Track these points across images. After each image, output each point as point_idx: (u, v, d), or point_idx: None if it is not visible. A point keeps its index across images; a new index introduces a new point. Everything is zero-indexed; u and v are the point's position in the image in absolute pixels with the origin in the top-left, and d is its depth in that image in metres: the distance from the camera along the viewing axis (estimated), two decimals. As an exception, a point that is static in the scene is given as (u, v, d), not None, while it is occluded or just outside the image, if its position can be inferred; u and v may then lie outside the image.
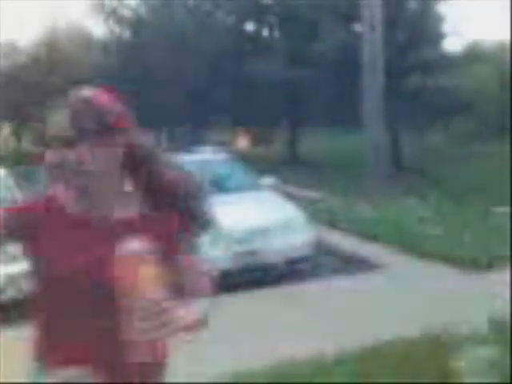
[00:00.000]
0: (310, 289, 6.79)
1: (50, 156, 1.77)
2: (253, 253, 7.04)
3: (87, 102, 1.77)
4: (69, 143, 1.74)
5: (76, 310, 1.79)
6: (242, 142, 41.23)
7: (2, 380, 4.49)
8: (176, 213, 1.89)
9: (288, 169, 20.23)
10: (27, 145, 45.36)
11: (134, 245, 1.55)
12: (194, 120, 31.84)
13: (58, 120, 1.76)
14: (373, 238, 8.62)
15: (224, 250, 6.96)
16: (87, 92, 1.81)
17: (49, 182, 1.89)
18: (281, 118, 27.38)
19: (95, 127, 1.75)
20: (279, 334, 5.25)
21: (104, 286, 1.68)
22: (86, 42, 40.29)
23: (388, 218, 9.48)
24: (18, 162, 26.54)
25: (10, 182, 8.71)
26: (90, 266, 1.75)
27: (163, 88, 27.92)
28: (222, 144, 28.07)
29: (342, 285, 6.86)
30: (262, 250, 7.06)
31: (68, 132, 1.74)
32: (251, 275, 7.06)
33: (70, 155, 1.74)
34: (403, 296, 6.05)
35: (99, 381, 1.77)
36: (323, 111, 23.81)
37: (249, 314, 5.95)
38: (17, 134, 46.40)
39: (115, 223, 1.82)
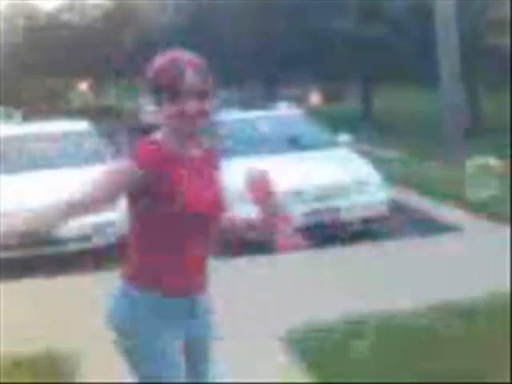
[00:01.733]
0: (386, 248, 6.86)
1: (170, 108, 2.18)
2: (328, 210, 7.14)
3: (203, 65, 2.23)
4: (199, 95, 2.19)
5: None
6: (315, 99, 40.91)
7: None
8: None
9: (361, 127, 20.09)
10: (105, 100, 46.43)
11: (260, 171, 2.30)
12: (265, 76, 31.81)
13: (192, 77, 2.17)
14: (448, 198, 8.55)
15: (301, 207, 7.07)
16: (197, 57, 2.23)
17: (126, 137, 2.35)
18: (354, 75, 27.02)
19: (200, 85, 2.20)
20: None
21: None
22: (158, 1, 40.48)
23: (464, 178, 9.36)
24: (98, 115, 27.29)
25: (95, 134, 9.05)
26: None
27: (236, 44, 27.96)
28: (294, 100, 28.01)
29: (417, 245, 6.89)
30: (337, 208, 7.15)
31: (200, 87, 2.20)
32: (326, 232, 7.17)
33: (199, 106, 2.19)
34: (480, 257, 6.02)
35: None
36: (398, 68, 23.36)
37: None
38: (95, 90, 47.50)
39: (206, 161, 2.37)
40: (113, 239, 6.85)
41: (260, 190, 2.31)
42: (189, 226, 2.25)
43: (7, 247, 6.75)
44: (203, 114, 2.22)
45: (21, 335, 4.76)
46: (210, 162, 2.40)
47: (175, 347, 2.34)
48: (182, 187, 2.21)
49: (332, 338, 4.34)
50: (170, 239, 2.26)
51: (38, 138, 8.87)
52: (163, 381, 2.31)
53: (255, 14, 25.92)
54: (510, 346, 3.93)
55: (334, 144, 8.67)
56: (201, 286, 2.39)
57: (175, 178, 2.20)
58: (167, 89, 2.17)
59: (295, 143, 8.72)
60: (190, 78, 2.17)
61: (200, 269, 2.36)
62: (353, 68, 25.16)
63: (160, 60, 2.22)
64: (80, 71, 42.39)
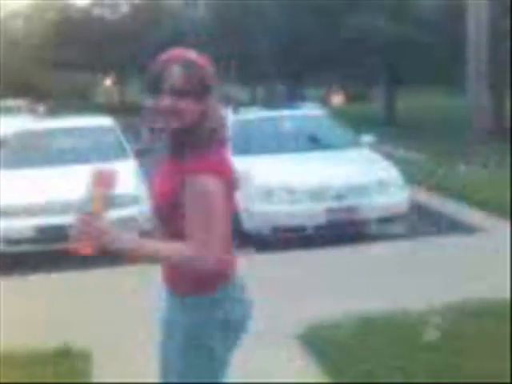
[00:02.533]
0: (403, 247, 6.84)
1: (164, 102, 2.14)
2: (348, 209, 7.13)
3: (193, 63, 2.16)
4: (175, 93, 2.12)
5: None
6: (338, 99, 40.85)
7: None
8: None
9: (384, 128, 19.99)
10: (129, 96, 46.66)
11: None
12: (290, 75, 31.77)
13: (171, 73, 2.12)
14: (471, 200, 8.48)
15: (320, 205, 7.08)
16: (193, 54, 2.20)
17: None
18: (378, 76, 26.90)
19: (197, 85, 2.15)
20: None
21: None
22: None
23: (487, 180, 9.30)
24: (122, 112, 27.44)
25: (118, 130, 9.10)
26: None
27: (262, 42, 27.97)
28: (317, 100, 27.95)
29: (437, 244, 6.85)
30: (357, 207, 7.14)
31: (177, 84, 2.12)
32: (346, 231, 7.17)
33: (172, 103, 2.13)
34: (498, 258, 5.97)
35: None
36: (423, 69, 23.22)
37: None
38: (119, 86, 47.81)
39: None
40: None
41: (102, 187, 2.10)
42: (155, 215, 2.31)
43: (25, 241, 6.85)
44: (177, 112, 2.13)
45: (37, 330, 4.80)
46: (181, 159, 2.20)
47: None
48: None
49: (346, 336, 4.33)
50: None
51: (61, 133, 8.94)
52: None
53: (283, 13, 25.89)
54: (510, 347, 3.92)
55: (357, 144, 8.65)
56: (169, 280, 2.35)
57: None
58: (149, 84, 2.19)
59: (317, 142, 8.72)
60: (171, 76, 2.12)
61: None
62: (378, 69, 25.07)
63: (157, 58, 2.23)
64: (106, 67, 42.73)
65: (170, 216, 2.21)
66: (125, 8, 42.43)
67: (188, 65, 2.15)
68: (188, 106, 2.14)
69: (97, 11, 42.18)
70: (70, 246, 2.06)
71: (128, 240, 2.12)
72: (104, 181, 2.09)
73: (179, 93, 2.12)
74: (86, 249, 2.04)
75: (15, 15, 43.49)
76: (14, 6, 43.41)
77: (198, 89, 2.15)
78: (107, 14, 42.23)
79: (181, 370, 2.29)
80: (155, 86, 2.15)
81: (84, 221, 2.05)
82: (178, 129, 2.17)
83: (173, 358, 2.30)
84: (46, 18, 42.49)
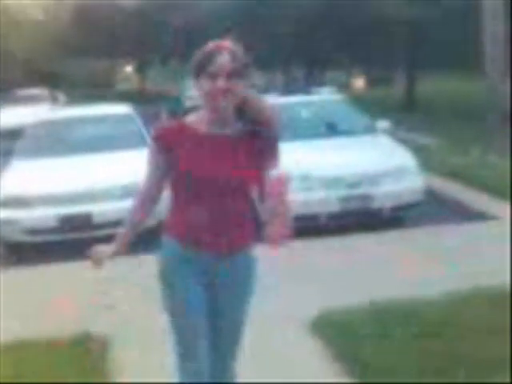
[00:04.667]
0: (419, 234, 6.87)
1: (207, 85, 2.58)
2: (363, 197, 7.17)
3: (236, 51, 2.61)
4: (229, 75, 2.55)
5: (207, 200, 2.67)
6: (359, 83, 40.60)
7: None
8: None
9: (404, 112, 19.90)
10: (150, 83, 46.76)
11: (279, 172, 2.59)
12: (310, 59, 31.66)
13: (224, 59, 2.56)
14: (486, 187, 8.46)
15: (335, 193, 7.13)
16: (233, 44, 2.63)
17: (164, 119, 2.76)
18: (399, 60, 26.71)
19: (242, 68, 2.60)
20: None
21: (229, 183, 2.63)
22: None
23: (502, 166, 9.24)
24: (142, 99, 27.59)
25: (137, 118, 9.18)
26: (219, 170, 2.62)
27: (280, 26, 27.84)
28: (338, 85, 27.82)
29: (448, 232, 6.88)
30: (372, 195, 7.17)
31: (230, 67, 2.56)
32: (361, 218, 7.22)
33: (228, 84, 2.56)
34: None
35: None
36: (444, 54, 23.00)
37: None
38: (140, 72, 47.92)
39: (233, 139, 2.68)
40: (152, 224, 6.93)
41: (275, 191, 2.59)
42: (195, 189, 2.65)
43: (46, 231, 6.97)
44: (233, 91, 2.57)
45: (55, 317, 4.93)
46: (244, 140, 2.69)
47: (198, 290, 2.74)
48: (186, 157, 2.64)
49: (358, 325, 4.40)
50: (183, 199, 2.71)
51: (81, 121, 9.02)
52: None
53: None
54: (509, 347, 3.92)
55: (373, 130, 8.66)
56: (224, 245, 2.72)
57: (181, 149, 2.65)
58: (202, 70, 2.59)
59: (334, 129, 8.74)
60: (221, 60, 2.55)
61: (222, 228, 2.70)
62: (398, 52, 24.88)
63: (201, 49, 2.64)
64: (126, 54, 42.77)
65: (246, 189, 2.70)
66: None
67: (235, 52, 2.60)
68: (238, 85, 2.58)
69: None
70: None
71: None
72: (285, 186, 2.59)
73: (230, 74, 2.55)
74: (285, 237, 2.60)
75: (34, 4, 43.58)
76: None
77: (242, 71, 2.60)
78: (126, 0, 42.13)
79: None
80: (205, 71, 2.57)
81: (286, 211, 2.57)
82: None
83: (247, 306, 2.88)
84: (65, 6, 42.53)
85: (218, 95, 2.56)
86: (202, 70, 2.58)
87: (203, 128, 2.67)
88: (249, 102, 2.64)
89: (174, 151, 2.66)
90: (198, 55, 2.63)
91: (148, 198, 2.82)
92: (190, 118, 2.73)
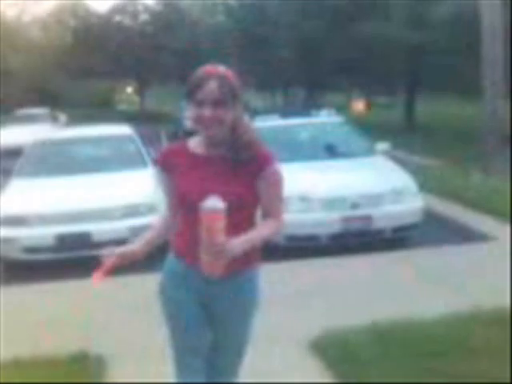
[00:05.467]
0: (417, 255, 6.86)
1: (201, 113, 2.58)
2: (363, 218, 7.16)
3: (225, 78, 2.59)
4: (215, 103, 2.55)
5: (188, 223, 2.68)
6: (359, 106, 40.79)
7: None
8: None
9: (404, 134, 19.95)
10: (149, 104, 46.94)
11: (215, 203, 2.40)
12: (310, 82, 31.82)
13: (210, 87, 2.55)
14: (485, 208, 8.45)
15: (335, 214, 7.12)
16: (224, 70, 2.62)
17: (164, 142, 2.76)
18: (398, 82, 26.86)
19: (230, 96, 2.58)
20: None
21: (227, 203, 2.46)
22: (206, 1, 40.76)
23: (502, 188, 9.24)
24: (141, 119, 27.68)
25: (137, 138, 9.19)
26: (216, 191, 2.52)
27: (281, 48, 28.03)
28: (338, 107, 27.91)
29: (449, 253, 6.87)
30: (371, 216, 7.17)
31: (216, 96, 2.55)
32: (360, 239, 7.21)
33: (213, 113, 2.56)
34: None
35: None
36: (443, 77, 23.14)
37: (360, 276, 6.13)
38: (139, 93, 48.13)
39: (229, 159, 2.64)
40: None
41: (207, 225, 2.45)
42: (194, 209, 2.56)
43: (45, 249, 6.96)
44: (218, 120, 2.59)
45: (55, 335, 4.91)
46: (242, 164, 2.66)
47: (197, 308, 2.75)
48: (181, 180, 2.68)
49: (359, 345, 4.38)
50: (184, 219, 2.73)
51: (80, 142, 9.05)
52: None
53: (303, 20, 25.98)
54: (509, 348, 3.92)
55: (372, 152, 8.67)
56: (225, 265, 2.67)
57: (180, 171, 2.69)
58: (191, 96, 2.61)
59: (333, 151, 8.74)
60: (208, 88, 2.55)
61: None
62: (396, 75, 25.02)
63: (194, 73, 2.64)
64: (126, 75, 42.98)
65: (242, 208, 2.64)
66: (144, 15, 42.67)
67: (226, 79, 2.59)
68: (225, 113, 2.58)
69: (117, 18, 42.42)
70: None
71: (239, 244, 2.53)
72: (218, 214, 2.41)
73: (217, 103, 2.56)
74: (218, 272, 2.49)
75: (35, 22, 43.84)
76: (34, 13, 43.75)
77: (230, 99, 2.58)
78: (127, 21, 42.44)
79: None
80: (194, 97, 2.58)
81: (216, 251, 2.43)
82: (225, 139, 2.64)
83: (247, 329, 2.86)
84: (66, 26, 42.80)
85: (203, 123, 2.60)
86: (191, 96, 2.60)
87: (201, 150, 2.71)
88: (237, 130, 2.64)
89: (173, 173, 2.71)
90: (189, 80, 2.63)
91: (162, 217, 2.90)
92: (191, 141, 2.77)
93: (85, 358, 4.40)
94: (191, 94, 2.59)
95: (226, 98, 2.57)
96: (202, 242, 2.44)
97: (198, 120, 2.61)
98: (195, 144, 2.73)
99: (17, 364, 4.33)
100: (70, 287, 6.14)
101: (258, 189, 2.67)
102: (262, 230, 2.69)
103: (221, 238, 2.42)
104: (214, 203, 2.40)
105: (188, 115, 2.88)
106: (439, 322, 4.69)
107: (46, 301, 5.81)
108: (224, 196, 2.49)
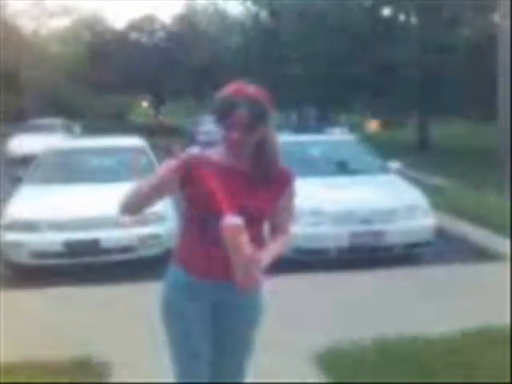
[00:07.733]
0: (428, 273, 6.80)
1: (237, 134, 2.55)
2: (374, 233, 7.12)
3: (255, 102, 2.53)
4: (243, 128, 2.52)
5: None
6: (373, 125, 40.88)
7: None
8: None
9: (417, 154, 19.92)
10: (163, 118, 47.20)
11: (234, 218, 2.44)
12: (325, 101, 31.87)
13: (240, 114, 2.50)
14: (498, 228, 8.39)
15: (345, 228, 7.08)
16: (253, 91, 2.55)
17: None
18: (412, 103, 26.80)
19: (260, 120, 2.54)
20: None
21: (242, 215, 2.49)
22: (223, 21, 41.12)
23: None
24: (154, 132, 27.79)
25: (149, 150, 9.18)
26: (232, 202, 2.53)
27: (298, 68, 28.10)
28: (351, 126, 27.95)
29: (460, 271, 6.81)
30: (382, 232, 7.12)
31: (245, 122, 2.51)
32: (371, 255, 7.16)
33: (241, 137, 2.54)
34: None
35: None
36: (458, 100, 23.12)
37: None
38: (154, 108, 48.45)
39: (248, 171, 2.64)
40: (158, 251, 6.95)
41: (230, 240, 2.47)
42: (208, 220, 2.57)
43: (53, 255, 6.96)
44: (246, 143, 2.57)
45: (62, 340, 4.90)
46: (267, 179, 2.67)
47: (201, 318, 2.71)
48: (201, 190, 2.56)
49: (365, 360, 4.32)
50: (196, 229, 2.65)
51: (92, 152, 9.07)
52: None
53: (319, 40, 26.06)
54: (509, 349, 3.89)
55: (385, 170, 8.64)
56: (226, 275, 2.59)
57: (199, 180, 2.56)
58: (220, 117, 2.56)
59: (345, 168, 8.73)
60: (238, 113, 2.50)
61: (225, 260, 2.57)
62: (411, 97, 24.97)
63: (223, 91, 2.57)
64: (142, 90, 43.30)
65: (259, 222, 2.66)
66: (161, 33, 43.02)
67: (256, 100, 2.53)
68: (252, 137, 2.56)
69: (133, 36, 42.83)
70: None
71: (266, 254, 2.58)
72: (240, 227, 2.45)
73: (247, 127, 2.52)
74: (253, 283, 2.51)
75: (53, 36, 44.35)
76: (51, 29, 44.24)
77: (259, 123, 2.54)
78: (144, 38, 42.83)
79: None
80: (224, 120, 2.54)
81: (248, 263, 2.46)
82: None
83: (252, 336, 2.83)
84: (83, 40, 43.25)
85: (231, 146, 2.58)
86: (220, 117, 2.55)
87: (219, 160, 2.64)
88: (266, 143, 2.63)
89: (188, 182, 2.60)
90: (218, 99, 2.57)
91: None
92: (213, 151, 2.70)
93: (89, 362, 4.38)
94: (219, 115, 2.55)
95: (255, 122, 2.54)
96: (232, 259, 2.47)
97: (226, 143, 2.59)
98: (217, 154, 2.66)
99: (20, 368, 4.30)
100: (77, 293, 6.13)
101: (278, 203, 2.69)
102: (278, 243, 2.72)
103: (248, 249, 2.45)
104: (233, 218, 2.45)
105: (203, 130, 2.87)
106: (448, 338, 4.63)
107: (52, 306, 5.79)
108: (244, 209, 2.50)
